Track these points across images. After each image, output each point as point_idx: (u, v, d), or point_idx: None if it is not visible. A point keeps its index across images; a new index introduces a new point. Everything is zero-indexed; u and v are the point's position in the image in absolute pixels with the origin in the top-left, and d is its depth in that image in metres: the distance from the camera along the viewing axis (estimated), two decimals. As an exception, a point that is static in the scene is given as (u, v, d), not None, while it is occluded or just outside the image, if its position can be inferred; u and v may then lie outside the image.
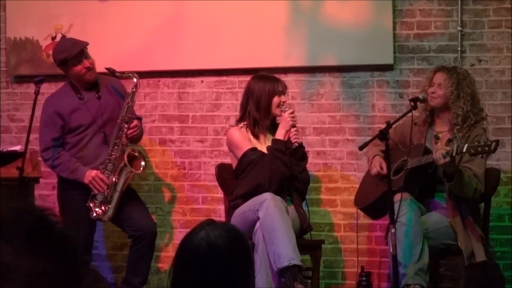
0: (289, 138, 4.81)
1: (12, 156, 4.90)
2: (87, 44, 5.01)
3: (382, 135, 4.29)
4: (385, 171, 4.69)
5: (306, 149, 5.17)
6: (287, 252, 4.43)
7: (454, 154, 4.35)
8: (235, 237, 2.27)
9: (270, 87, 4.83)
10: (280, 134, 4.81)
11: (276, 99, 4.83)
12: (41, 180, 5.28)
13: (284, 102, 4.86)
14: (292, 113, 4.83)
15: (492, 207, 4.98)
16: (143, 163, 5.02)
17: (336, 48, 5.51)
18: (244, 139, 4.85)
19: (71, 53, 4.94)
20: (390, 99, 5.52)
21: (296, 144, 4.80)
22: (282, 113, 4.83)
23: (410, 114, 4.57)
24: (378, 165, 4.80)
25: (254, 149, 4.81)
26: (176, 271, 2.25)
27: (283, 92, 4.87)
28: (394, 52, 5.48)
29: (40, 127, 5.06)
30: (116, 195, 4.93)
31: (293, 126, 4.82)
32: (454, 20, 5.45)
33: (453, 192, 4.59)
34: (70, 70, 4.98)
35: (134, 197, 5.13)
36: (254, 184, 4.73)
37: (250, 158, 4.77)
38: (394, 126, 4.55)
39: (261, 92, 4.83)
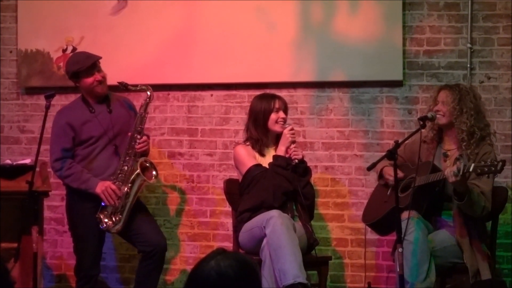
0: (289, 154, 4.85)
1: (22, 169, 4.90)
2: (100, 57, 5.06)
3: (391, 154, 4.29)
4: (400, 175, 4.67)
5: (314, 164, 5.16)
6: (292, 270, 4.45)
7: (461, 172, 4.35)
8: (246, 267, 2.28)
9: (266, 105, 4.92)
10: (280, 151, 4.88)
11: (273, 116, 4.90)
12: (50, 192, 5.30)
13: (283, 118, 4.91)
14: (291, 129, 4.89)
15: (500, 224, 4.98)
16: (154, 172, 5.04)
17: (345, 63, 5.53)
18: (248, 156, 4.91)
19: (83, 65, 4.98)
20: (399, 115, 5.53)
21: (296, 160, 4.83)
22: (283, 129, 4.88)
23: (418, 132, 4.57)
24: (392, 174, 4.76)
25: (257, 165, 4.86)
26: None
27: (281, 108, 4.92)
28: (404, 68, 5.49)
29: (52, 138, 5.09)
30: (127, 205, 4.95)
31: (293, 142, 4.88)
32: (463, 37, 5.45)
33: (460, 210, 4.59)
34: (81, 82, 5.03)
35: (144, 211, 5.14)
36: (259, 200, 4.78)
37: (254, 173, 4.83)
38: (404, 143, 4.56)
39: (258, 111, 4.92)
